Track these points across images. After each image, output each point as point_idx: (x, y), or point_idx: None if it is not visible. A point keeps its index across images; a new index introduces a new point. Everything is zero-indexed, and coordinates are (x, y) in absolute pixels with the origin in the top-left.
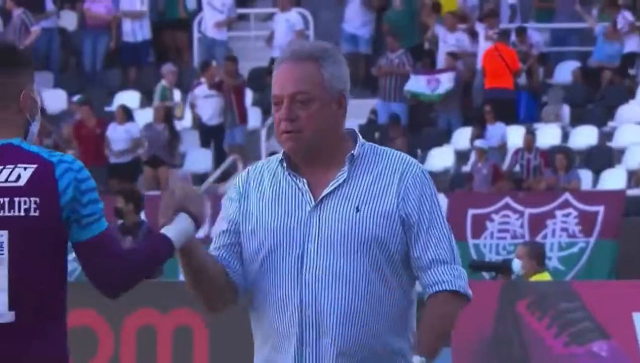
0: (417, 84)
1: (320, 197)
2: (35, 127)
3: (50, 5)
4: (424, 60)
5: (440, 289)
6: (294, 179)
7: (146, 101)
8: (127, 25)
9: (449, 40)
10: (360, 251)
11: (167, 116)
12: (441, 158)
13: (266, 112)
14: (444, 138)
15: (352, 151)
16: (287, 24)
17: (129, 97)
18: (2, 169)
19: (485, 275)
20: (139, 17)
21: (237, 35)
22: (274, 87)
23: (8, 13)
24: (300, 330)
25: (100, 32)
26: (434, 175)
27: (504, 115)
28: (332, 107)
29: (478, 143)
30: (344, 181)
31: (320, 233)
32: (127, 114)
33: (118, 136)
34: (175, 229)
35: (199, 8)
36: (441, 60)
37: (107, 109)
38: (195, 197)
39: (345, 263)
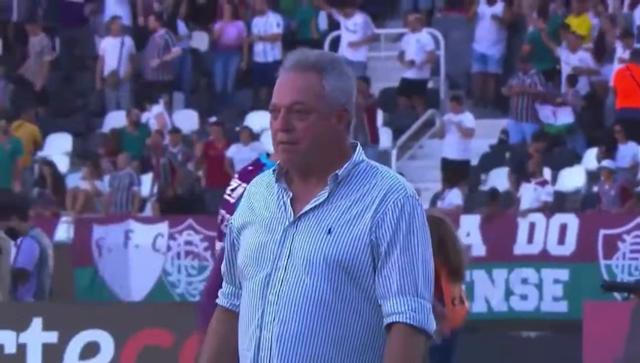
0: (545, 114)
1: (299, 215)
2: None
3: (183, 29)
4: (555, 80)
5: (395, 320)
6: (281, 191)
7: None
8: (258, 46)
9: (571, 62)
10: (326, 275)
11: None
12: (572, 178)
13: (397, 133)
14: (575, 158)
15: (337, 171)
16: (417, 44)
17: (260, 118)
18: (238, 186)
19: (617, 295)
20: (275, 40)
21: (368, 56)
22: (273, 95)
23: (144, 32)
24: (257, 350)
25: (231, 53)
26: (564, 195)
27: (636, 135)
28: (331, 121)
29: (605, 163)
30: (324, 201)
31: (291, 252)
32: (251, 135)
33: (242, 156)
34: None
35: (330, 28)
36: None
37: (237, 129)
38: None
39: (308, 286)
